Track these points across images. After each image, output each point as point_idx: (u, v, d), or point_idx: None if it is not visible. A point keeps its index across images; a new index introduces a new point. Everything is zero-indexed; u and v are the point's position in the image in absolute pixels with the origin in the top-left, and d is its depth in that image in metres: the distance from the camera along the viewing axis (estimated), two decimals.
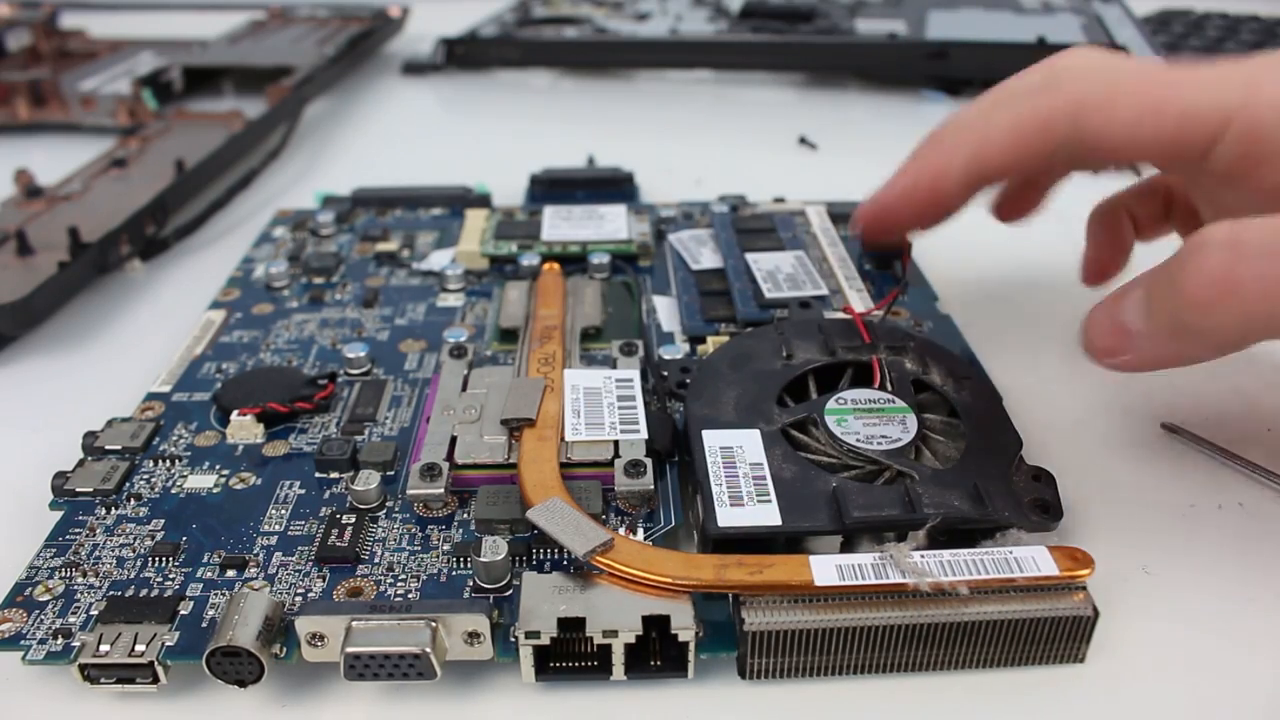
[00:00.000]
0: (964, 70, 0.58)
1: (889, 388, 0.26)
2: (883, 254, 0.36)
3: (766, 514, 0.22)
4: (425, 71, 0.65)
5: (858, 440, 0.24)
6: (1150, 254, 0.25)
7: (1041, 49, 0.56)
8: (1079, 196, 0.45)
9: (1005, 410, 0.25)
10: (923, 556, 0.20)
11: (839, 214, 0.39)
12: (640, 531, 0.23)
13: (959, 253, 0.39)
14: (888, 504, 0.22)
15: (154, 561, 0.23)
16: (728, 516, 0.22)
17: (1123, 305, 0.23)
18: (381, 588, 0.22)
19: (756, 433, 0.24)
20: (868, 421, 0.24)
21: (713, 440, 0.24)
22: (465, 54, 0.64)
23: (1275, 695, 0.21)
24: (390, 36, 0.71)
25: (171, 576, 0.22)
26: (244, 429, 0.27)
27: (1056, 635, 0.21)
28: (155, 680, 0.20)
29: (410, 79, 0.65)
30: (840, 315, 0.30)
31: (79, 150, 0.47)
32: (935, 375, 0.27)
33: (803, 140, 0.52)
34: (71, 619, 0.21)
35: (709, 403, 0.25)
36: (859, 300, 0.32)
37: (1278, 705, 0.20)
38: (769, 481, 0.23)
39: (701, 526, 0.22)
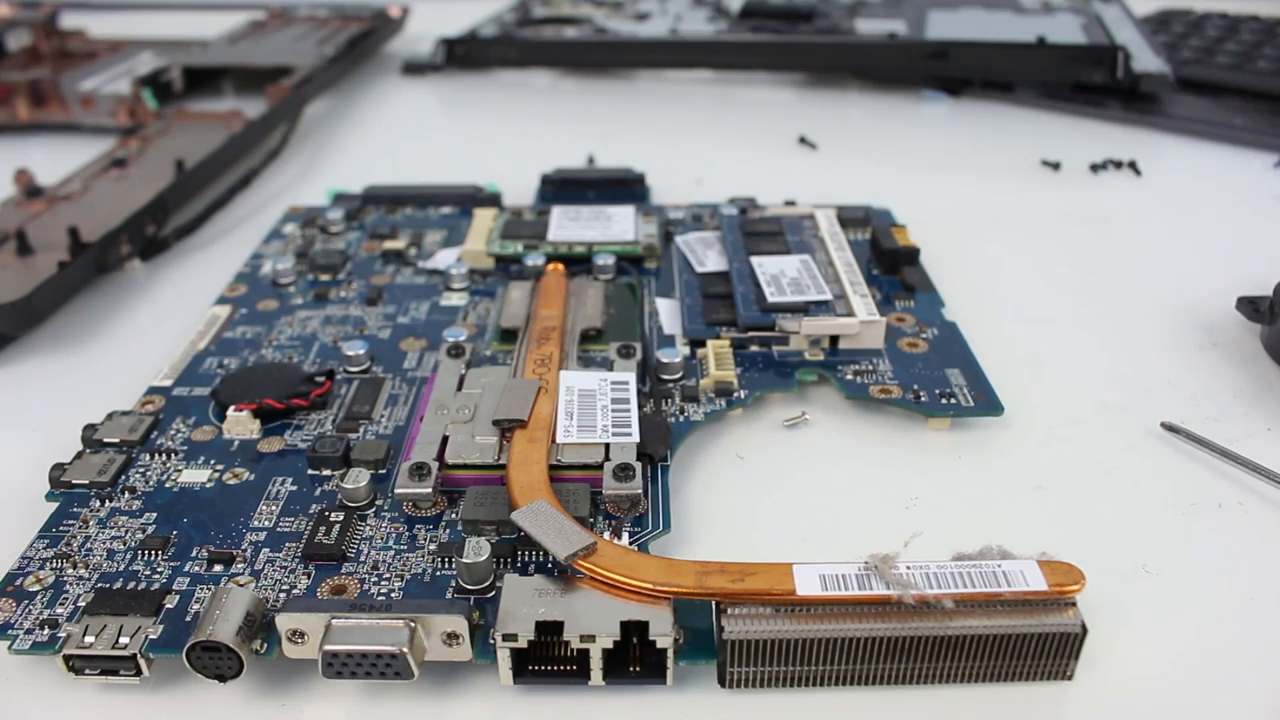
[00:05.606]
0: (964, 70, 0.58)
1: None
2: (891, 260, 0.35)
3: None
4: (425, 71, 0.65)
5: None
6: None
7: (1041, 49, 0.55)
8: (1079, 198, 0.45)
9: None
10: (908, 568, 0.20)
11: (849, 218, 0.38)
12: (626, 536, 0.23)
13: (964, 259, 0.38)
14: None
15: (143, 555, 0.23)
16: None
17: None
18: (365, 586, 0.22)
19: None
20: None
21: None
22: (465, 54, 0.64)
23: (1276, 695, 0.20)
24: (390, 36, 0.71)
25: (160, 570, 0.22)
26: (240, 424, 0.27)
27: (1044, 651, 0.20)
28: (138, 673, 0.20)
29: (410, 79, 0.65)
30: None
31: (79, 150, 0.47)
32: None
33: (802, 140, 0.52)
34: (59, 610, 0.21)
35: None
36: (862, 306, 0.31)
37: (1278, 705, 0.20)
38: None
39: None
